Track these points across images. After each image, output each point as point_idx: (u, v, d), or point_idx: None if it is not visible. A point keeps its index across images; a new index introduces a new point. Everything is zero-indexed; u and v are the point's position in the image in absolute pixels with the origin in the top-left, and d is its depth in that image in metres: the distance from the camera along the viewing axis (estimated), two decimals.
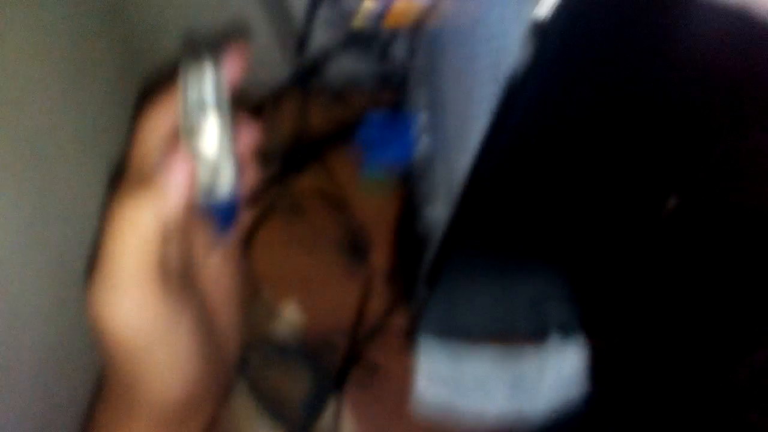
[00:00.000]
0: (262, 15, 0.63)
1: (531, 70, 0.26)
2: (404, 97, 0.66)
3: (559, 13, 0.23)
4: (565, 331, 0.63)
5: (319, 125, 0.68)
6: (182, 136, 0.26)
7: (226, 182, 0.27)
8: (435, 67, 0.48)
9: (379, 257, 0.65)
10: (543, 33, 0.24)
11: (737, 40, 0.25)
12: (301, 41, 0.60)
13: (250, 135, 0.29)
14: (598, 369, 0.61)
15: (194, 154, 0.26)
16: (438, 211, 0.45)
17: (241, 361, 0.56)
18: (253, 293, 0.61)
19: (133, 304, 0.24)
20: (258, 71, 0.69)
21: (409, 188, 0.54)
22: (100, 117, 0.51)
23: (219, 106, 0.27)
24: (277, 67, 0.69)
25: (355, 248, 0.64)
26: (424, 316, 0.59)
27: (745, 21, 0.23)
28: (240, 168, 0.29)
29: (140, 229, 0.24)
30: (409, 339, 0.62)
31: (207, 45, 0.28)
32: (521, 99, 0.27)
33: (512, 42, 0.28)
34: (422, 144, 0.52)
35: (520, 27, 0.28)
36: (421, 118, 0.53)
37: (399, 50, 0.66)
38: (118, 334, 0.25)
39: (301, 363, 0.57)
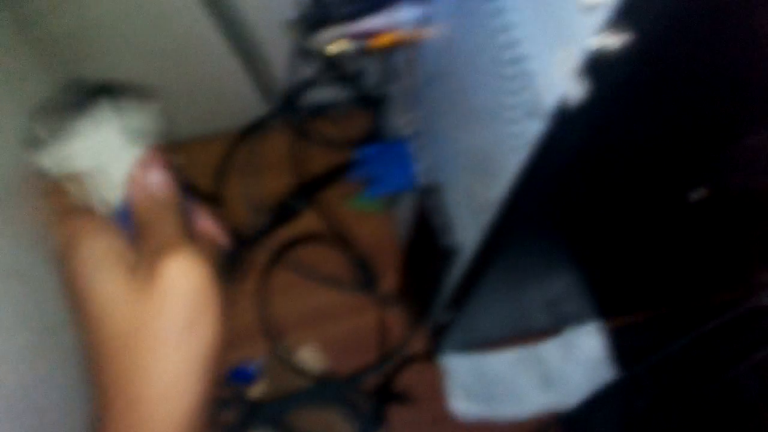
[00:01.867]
0: (231, 55, 0.61)
1: (589, 103, 0.26)
2: (382, 122, 0.66)
3: (625, 44, 0.23)
4: (581, 319, 0.64)
5: (310, 163, 0.67)
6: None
7: (111, 191, 0.29)
8: (431, 93, 0.48)
9: (387, 284, 0.65)
10: (606, 65, 0.24)
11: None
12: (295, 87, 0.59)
13: (208, 223, 0.33)
14: (623, 349, 0.62)
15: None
16: (463, 236, 0.45)
17: (275, 412, 0.54)
18: (273, 341, 0.59)
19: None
20: (228, 109, 0.67)
21: (417, 214, 0.54)
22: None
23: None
24: (246, 105, 0.68)
25: (364, 279, 0.63)
26: (445, 335, 0.59)
27: None
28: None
29: None
30: (433, 359, 0.62)
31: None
32: (575, 132, 0.28)
33: (554, 76, 0.29)
34: (420, 170, 0.52)
35: (565, 61, 0.28)
36: (413, 144, 0.53)
37: (372, 75, 0.66)
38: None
39: (334, 404, 0.56)
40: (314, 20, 0.49)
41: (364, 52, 0.49)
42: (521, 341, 0.65)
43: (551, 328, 0.65)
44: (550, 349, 0.65)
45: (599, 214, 0.39)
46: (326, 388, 0.56)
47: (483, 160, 0.39)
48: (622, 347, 0.63)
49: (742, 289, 0.55)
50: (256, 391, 0.56)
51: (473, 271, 0.45)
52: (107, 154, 0.28)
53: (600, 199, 0.36)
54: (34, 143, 0.27)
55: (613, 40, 0.23)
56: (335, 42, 0.48)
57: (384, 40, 0.48)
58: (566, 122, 0.28)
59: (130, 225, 0.30)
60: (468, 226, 0.44)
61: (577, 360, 0.64)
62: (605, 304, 0.63)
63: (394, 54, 0.56)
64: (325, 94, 0.69)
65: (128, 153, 0.29)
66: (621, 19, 0.22)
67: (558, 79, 0.28)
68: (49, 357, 0.43)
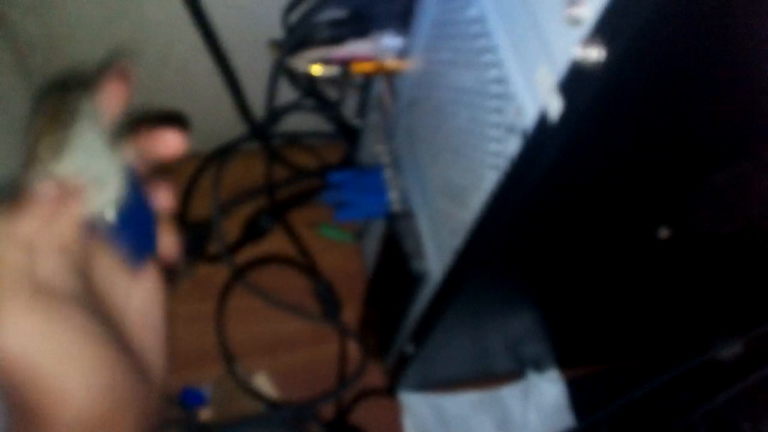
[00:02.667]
0: (210, 72, 0.61)
1: (567, 120, 0.26)
2: (357, 151, 0.66)
3: (604, 61, 0.24)
4: (540, 366, 0.64)
5: (275, 183, 0.66)
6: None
7: (110, 201, 0.27)
8: (408, 121, 0.49)
9: (350, 315, 0.63)
10: (585, 80, 0.25)
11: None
12: (270, 100, 0.58)
13: (164, 197, 0.31)
14: (581, 397, 0.62)
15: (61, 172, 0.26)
16: (432, 263, 0.45)
17: None
18: (227, 365, 0.57)
19: (24, 327, 0.25)
20: (203, 128, 0.67)
21: (387, 241, 0.54)
22: None
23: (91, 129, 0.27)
24: (222, 124, 0.67)
25: (326, 308, 0.62)
26: (404, 371, 0.57)
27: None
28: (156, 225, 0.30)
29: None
30: (392, 395, 0.60)
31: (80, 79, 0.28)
32: (551, 150, 0.28)
33: (535, 92, 0.29)
34: (393, 198, 0.52)
35: (546, 76, 0.28)
36: (386, 173, 0.53)
37: (350, 105, 0.67)
38: (19, 360, 0.25)
39: None
40: (297, 41, 0.50)
41: (345, 78, 0.50)
42: (482, 383, 0.64)
43: (513, 372, 0.65)
44: (510, 394, 0.64)
45: (566, 248, 0.39)
46: (278, 415, 0.54)
47: (459, 182, 0.39)
48: (580, 396, 0.63)
49: (697, 343, 0.56)
50: (206, 414, 0.54)
51: (440, 299, 0.44)
52: (95, 160, 0.27)
53: (567, 229, 0.36)
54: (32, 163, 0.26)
55: (595, 54, 0.23)
56: (317, 64, 0.49)
57: (365, 66, 0.49)
58: (544, 139, 0.28)
59: (129, 236, 0.28)
60: (438, 253, 0.44)
61: (537, 406, 0.63)
62: (566, 353, 0.63)
63: (373, 83, 0.57)
64: (302, 122, 0.70)
65: (111, 156, 0.28)
66: (601, 33, 0.23)
67: (538, 95, 0.28)
68: None
